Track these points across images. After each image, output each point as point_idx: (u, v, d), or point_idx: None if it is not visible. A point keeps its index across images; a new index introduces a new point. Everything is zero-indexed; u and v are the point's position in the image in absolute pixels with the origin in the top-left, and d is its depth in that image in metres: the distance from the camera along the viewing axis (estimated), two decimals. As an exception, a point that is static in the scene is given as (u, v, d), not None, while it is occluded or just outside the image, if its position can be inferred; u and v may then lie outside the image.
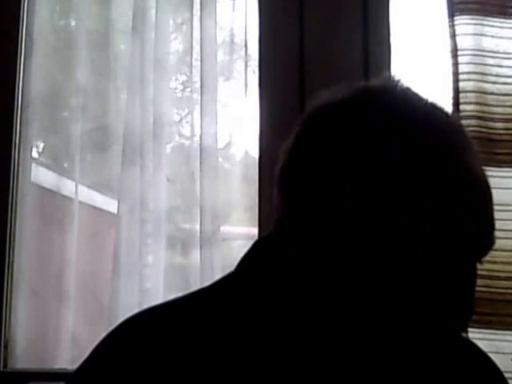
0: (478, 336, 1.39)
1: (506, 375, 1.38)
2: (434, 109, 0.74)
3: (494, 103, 1.49)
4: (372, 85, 0.76)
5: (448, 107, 1.56)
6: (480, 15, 1.50)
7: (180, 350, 0.70)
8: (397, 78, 0.77)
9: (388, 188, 0.67)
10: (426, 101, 0.74)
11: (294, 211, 0.71)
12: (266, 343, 0.70)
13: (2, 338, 1.54)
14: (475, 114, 1.48)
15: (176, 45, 1.79)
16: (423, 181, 0.67)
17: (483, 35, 1.50)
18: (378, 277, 0.67)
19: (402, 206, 0.67)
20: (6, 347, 1.55)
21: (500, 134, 1.48)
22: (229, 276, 0.78)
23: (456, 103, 1.48)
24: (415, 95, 0.75)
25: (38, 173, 1.67)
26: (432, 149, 0.68)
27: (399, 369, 0.71)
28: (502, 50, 1.51)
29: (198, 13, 1.65)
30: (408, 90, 0.75)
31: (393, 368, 0.71)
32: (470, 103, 1.48)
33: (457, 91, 1.49)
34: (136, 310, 0.79)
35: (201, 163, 1.58)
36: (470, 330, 1.40)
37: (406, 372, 0.71)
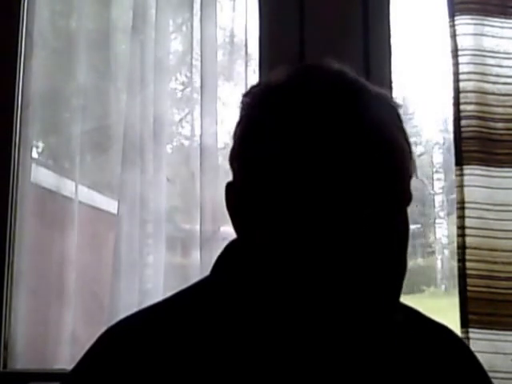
0: (479, 336, 1.39)
1: (507, 375, 1.38)
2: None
3: (495, 103, 1.48)
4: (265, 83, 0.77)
5: (448, 107, 1.56)
6: (480, 15, 1.50)
7: (173, 349, 0.71)
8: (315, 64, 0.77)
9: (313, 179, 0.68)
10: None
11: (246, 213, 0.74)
12: (245, 340, 0.72)
13: (2, 338, 1.54)
14: (475, 114, 1.47)
15: (176, 45, 1.78)
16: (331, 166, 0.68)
17: (483, 35, 1.50)
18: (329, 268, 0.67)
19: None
20: (5, 347, 1.55)
21: (500, 134, 1.47)
22: (208, 277, 0.81)
23: (456, 103, 1.48)
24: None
25: (37, 173, 1.67)
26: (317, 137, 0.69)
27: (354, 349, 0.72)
28: (502, 50, 1.51)
29: (198, 13, 1.65)
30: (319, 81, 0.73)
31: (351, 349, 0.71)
32: (470, 103, 1.48)
33: (457, 91, 1.48)
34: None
35: (201, 163, 1.57)
36: (470, 330, 1.40)
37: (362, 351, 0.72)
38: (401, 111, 0.76)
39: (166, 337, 0.72)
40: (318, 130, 0.68)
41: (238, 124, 0.77)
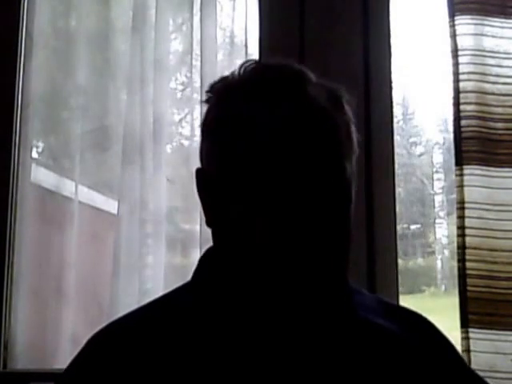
0: (479, 336, 1.39)
1: (507, 375, 1.38)
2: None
3: (495, 103, 1.49)
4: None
5: (448, 107, 1.56)
6: (480, 15, 1.50)
7: (164, 348, 0.73)
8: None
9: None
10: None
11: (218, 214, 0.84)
12: (233, 336, 0.74)
13: (2, 338, 1.54)
14: (475, 114, 1.48)
15: (176, 45, 1.79)
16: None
17: (483, 35, 1.50)
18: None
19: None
20: (5, 347, 1.55)
21: (500, 134, 1.48)
22: (191, 280, 0.85)
23: (456, 103, 1.48)
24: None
25: (37, 173, 1.67)
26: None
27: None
28: (502, 50, 1.51)
29: (198, 13, 1.65)
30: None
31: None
32: (470, 103, 1.48)
33: (457, 91, 1.48)
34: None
35: (201, 163, 1.57)
36: (470, 330, 1.40)
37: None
38: (345, 99, 0.84)
39: (156, 337, 0.74)
40: (269, 124, 0.77)
41: (204, 120, 0.86)
